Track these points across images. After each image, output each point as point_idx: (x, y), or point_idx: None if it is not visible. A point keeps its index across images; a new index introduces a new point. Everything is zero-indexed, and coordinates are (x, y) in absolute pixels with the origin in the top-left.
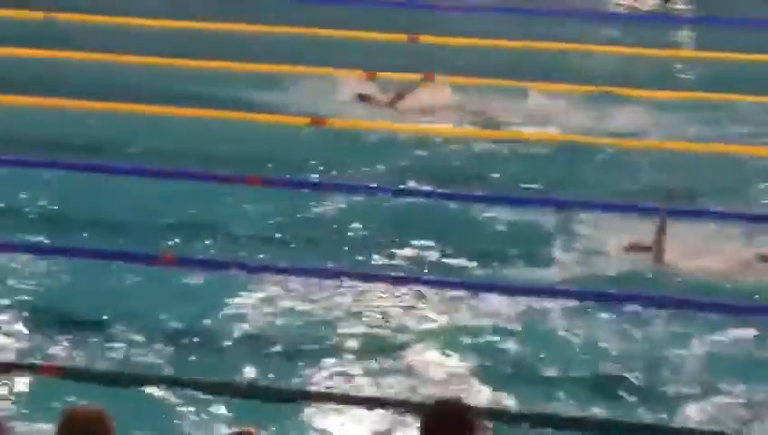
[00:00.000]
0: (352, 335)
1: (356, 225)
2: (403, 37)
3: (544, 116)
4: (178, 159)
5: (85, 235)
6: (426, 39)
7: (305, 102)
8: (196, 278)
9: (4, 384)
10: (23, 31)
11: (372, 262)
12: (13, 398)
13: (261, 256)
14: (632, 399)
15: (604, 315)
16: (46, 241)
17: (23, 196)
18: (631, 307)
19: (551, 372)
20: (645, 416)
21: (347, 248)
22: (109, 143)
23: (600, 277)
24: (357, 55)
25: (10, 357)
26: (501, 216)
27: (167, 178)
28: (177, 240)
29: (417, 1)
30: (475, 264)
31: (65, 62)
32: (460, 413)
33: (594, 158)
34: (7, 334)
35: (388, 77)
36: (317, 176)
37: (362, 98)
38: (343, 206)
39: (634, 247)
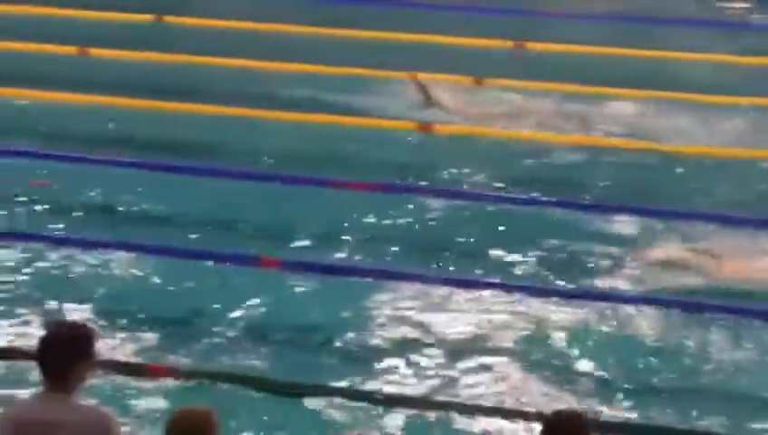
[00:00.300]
0: (458, 341)
1: (460, 230)
2: (509, 44)
3: (648, 124)
4: (281, 162)
5: (190, 235)
6: (532, 46)
7: (413, 107)
8: (297, 281)
9: (112, 384)
10: (131, 33)
11: (476, 268)
12: (121, 397)
13: (365, 260)
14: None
15: (702, 325)
16: (146, 241)
17: (128, 196)
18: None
19: (665, 383)
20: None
21: (449, 254)
22: (207, 145)
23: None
24: (464, 62)
25: (115, 357)
26: (601, 223)
27: (268, 181)
28: (278, 243)
29: (524, 8)
30: (575, 271)
31: (169, 65)
32: (578, 424)
33: (697, 167)
34: (112, 335)
35: (495, 83)
36: (427, 182)
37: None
38: (448, 211)
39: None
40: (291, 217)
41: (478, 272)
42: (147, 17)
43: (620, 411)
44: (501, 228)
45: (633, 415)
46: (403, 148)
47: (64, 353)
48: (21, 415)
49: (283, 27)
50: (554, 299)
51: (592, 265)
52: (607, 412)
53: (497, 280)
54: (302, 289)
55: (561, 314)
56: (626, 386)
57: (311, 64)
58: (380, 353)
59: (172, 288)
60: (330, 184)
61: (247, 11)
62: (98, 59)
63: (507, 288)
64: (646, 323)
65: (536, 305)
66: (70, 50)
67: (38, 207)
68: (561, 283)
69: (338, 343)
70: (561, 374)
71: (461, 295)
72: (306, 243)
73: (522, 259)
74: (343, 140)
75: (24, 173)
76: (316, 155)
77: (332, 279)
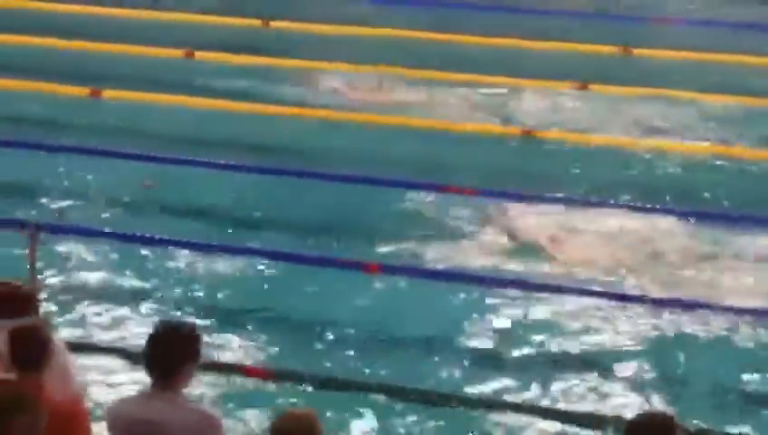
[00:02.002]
0: (561, 348)
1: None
2: (615, 50)
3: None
4: (381, 167)
5: (298, 239)
6: (639, 52)
7: (517, 113)
8: (399, 284)
9: (216, 385)
10: (240, 37)
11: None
12: (225, 398)
13: (461, 264)
14: None
15: None
16: (254, 245)
17: (237, 199)
18: None
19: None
20: None
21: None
22: (309, 149)
23: None
24: (571, 67)
25: (220, 358)
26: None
27: (371, 185)
28: (383, 247)
29: (630, 14)
30: (673, 279)
31: (275, 70)
32: (666, 426)
33: None
34: (221, 337)
35: (602, 90)
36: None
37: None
38: (545, 218)
39: None
40: (393, 221)
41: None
42: (254, 22)
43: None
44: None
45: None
46: (507, 153)
47: (172, 353)
48: (129, 412)
49: (390, 31)
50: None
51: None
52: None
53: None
54: (409, 293)
55: (667, 323)
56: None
57: (420, 69)
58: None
59: (282, 292)
60: (439, 188)
61: (351, 15)
62: (203, 63)
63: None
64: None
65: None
66: (176, 53)
67: (151, 209)
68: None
69: (441, 348)
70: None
71: (563, 300)
72: (415, 246)
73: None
74: (447, 145)
75: (135, 175)
76: (420, 159)
77: (435, 284)
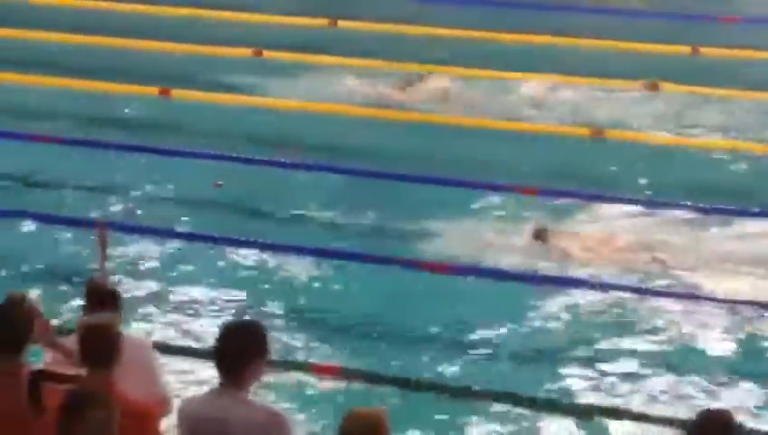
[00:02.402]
0: (636, 350)
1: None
2: (685, 49)
3: None
4: (446, 166)
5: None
6: (706, 51)
7: (583, 112)
8: (468, 285)
9: (284, 384)
10: (305, 37)
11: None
12: (294, 396)
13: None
14: None
15: None
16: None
17: (311, 200)
18: None
19: None
20: None
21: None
22: (377, 148)
23: None
24: (639, 67)
25: (290, 357)
26: None
27: (442, 185)
28: (453, 247)
29: (699, 13)
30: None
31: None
32: (726, 424)
33: None
34: (287, 335)
35: (674, 89)
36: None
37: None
38: (614, 219)
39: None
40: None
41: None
42: (321, 21)
43: None
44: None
45: None
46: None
47: (240, 350)
48: (197, 410)
49: (454, 32)
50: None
51: None
52: None
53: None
54: (479, 294)
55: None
56: None
57: (485, 69)
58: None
59: (351, 292)
60: (505, 189)
61: (415, 13)
62: (272, 61)
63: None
64: None
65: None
66: (245, 52)
67: (225, 210)
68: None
69: (514, 349)
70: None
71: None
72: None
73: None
74: (514, 144)
75: (205, 174)
76: (489, 160)
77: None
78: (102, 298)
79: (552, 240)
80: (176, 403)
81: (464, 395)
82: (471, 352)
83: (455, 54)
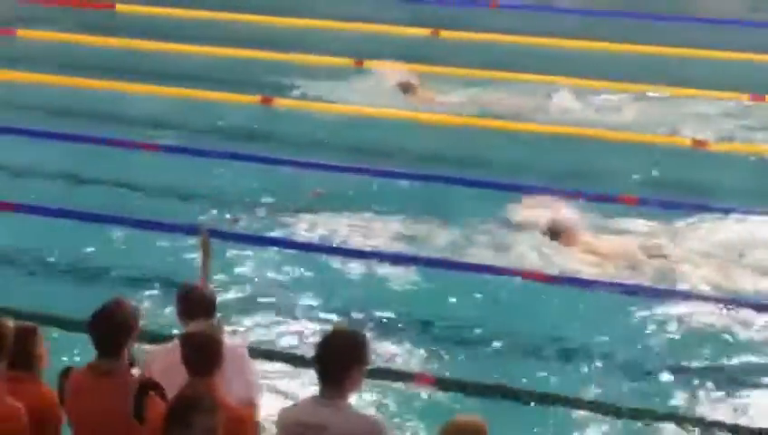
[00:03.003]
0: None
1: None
2: None
3: None
4: (538, 174)
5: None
6: None
7: (687, 123)
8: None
9: (384, 392)
10: (407, 47)
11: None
12: (392, 405)
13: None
14: None
15: None
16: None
17: (406, 208)
18: None
19: None
20: None
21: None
22: (487, 159)
23: None
24: (743, 77)
25: (389, 365)
26: None
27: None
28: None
29: None
30: None
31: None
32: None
33: None
34: (386, 344)
35: None
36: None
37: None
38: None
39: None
40: None
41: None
42: (424, 31)
43: None
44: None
45: None
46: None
47: (340, 358)
48: (296, 417)
49: (550, 41)
50: None
51: None
52: None
53: None
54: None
55: None
56: None
57: (576, 78)
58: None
59: (449, 300)
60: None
61: (518, 25)
62: (373, 71)
63: None
64: None
65: None
66: (346, 62)
67: (322, 219)
68: None
69: (613, 359)
70: None
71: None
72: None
73: None
74: (613, 154)
75: (305, 183)
76: (591, 168)
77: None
78: (196, 303)
79: (566, 239)
80: (276, 410)
81: (563, 404)
82: (569, 361)
83: (556, 64)
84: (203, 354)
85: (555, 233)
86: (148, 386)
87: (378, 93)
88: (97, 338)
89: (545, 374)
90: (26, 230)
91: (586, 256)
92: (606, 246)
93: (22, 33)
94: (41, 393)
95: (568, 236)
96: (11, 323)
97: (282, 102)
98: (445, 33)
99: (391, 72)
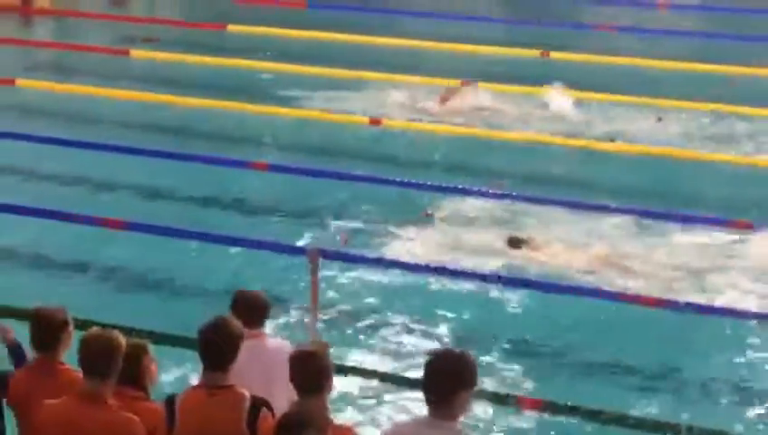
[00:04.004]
0: None
1: None
2: None
3: None
4: (650, 199)
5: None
6: None
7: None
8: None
9: (488, 414)
10: (517, 68)
11: None
12: (496, 427)
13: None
14: None
15: None
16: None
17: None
18: None
19: None
20: None
21: None
22: (599, 182)
23: None
24: None
25: (495, 388)
26: None
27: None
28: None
29: None
30: None
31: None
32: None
33: None
34: (489, 366)
35: None
36: None
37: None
38: None
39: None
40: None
41: None
42: (533, 52)
43: None
44: None
45: None
46: None
47: (448, 379)
48: None
49: (664, 64)
50: None
51: None
52: None
53: None
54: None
55: None
56: None
57: (687, 101)
58: None
59: (559, 323)
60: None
61: (636, 47)
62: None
63: None
64: None
65: None
66: (454, 83)
67: (431, 239)
68: None
69: (723, 386)
70: None
71: None
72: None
73: None
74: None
75: (417, 203)
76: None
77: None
78: (251, 309)
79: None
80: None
81: (668, 431)
82: (675, 386)
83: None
84: (313, 373)
85: (515, 243)
86: (260, 403)
87: (487, 113)
88: (206, 353)
89: (652, 400)
90: (141, 248)
91: (550, 262)
92: (567, 252)
93: (135, 53)
94: (151, 410)
95: (529, 244)
96: (123, 338)
97: (390, 123)
98: (555, 54)
99: None
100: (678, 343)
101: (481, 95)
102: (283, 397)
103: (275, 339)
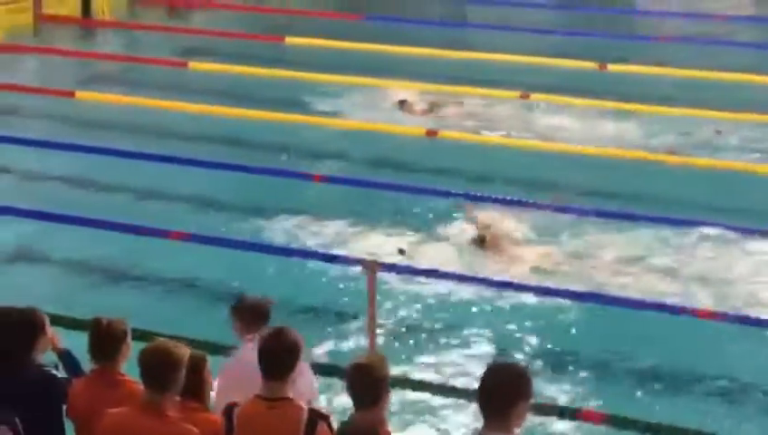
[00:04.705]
0: None
1: None
2: None
3: None
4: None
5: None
6: None
7: None
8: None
9: (548, 428)
10: (573, 80)
11: None
12: None
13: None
14: None
15: None
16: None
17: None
18: None
19: None
20: None
21: None
22: (655, 195)
23: None
24: None
25: (550, 400)
26: None
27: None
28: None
29: None
30: None
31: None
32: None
33: None
34: (548, 377)
35: None
36: None
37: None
38: None
39: None
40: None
41: None
42: (590, 65)
43: None
44: None
45: None
46: None
47: (504, 392)
48: None
49: (723, 75)
50: None
51: None
52: None
53: None
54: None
55: None
56: None
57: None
58: None
59: (613, 335)
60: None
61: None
62: (539, 104)
63: None
64: None
65: None
66: (512, 95)
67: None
68: None
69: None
70: None
71: None
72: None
73: None
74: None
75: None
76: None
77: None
78: (255, 313)
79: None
80: None
81: None
82: (743, 403)
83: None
84: (370, 386)
85: (482, 241)
86: (317, 416)
87: (544, 126)
88: (266, 363)
89: (714, 415)
90: (204, 260)
91: (512, 262)
92: (530, 252)
93: (193, 65)
94: (210, 421)
95: (493, 243)
96: (184, 350)
97: (446, 134)
98: (611, 67)
99: None
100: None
101: (535, 108)
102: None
103: None
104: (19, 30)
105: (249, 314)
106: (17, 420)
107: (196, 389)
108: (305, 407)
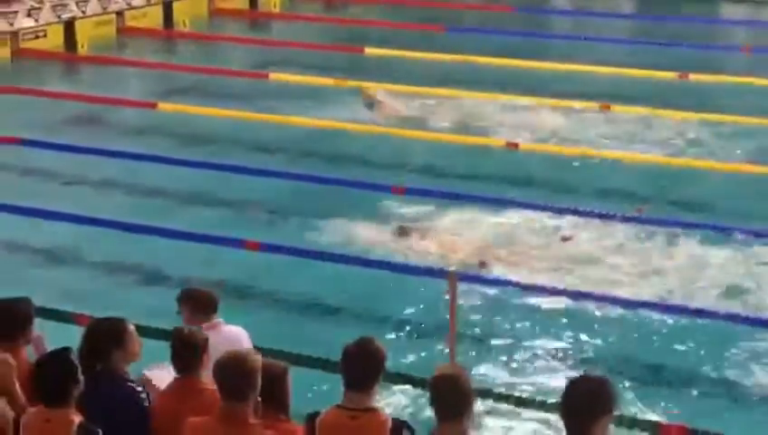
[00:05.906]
0: None
1: None
2: None
3: None
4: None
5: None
6: None
7: None
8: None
9: None
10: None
11: None
12: None
13: None
14: None
15: None
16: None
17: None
18: None
19: None
20: None
21: None
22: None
23: None
24: None
25: (640, 415)
26: None
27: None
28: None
29: None
30: None
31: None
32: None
33: None
34: (637, 391)
35: None
36: None
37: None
38: None
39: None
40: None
41: None
42: (671, 75)
43: None
44: None
45: None
46: None
47: (589, 407)
48: None
49: None
50: None
51: None
52: None
53: None
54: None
55: None
56: None
57: None
58: None
59: (676, 345)
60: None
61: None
62: (618, 115)
63: None
64: None
65: None
66: (592, 106)
67: (572, 262)
68: None
69: None
70: None
71: None
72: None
73: None
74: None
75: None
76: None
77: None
78: (200, 304)
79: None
80: None
81: None
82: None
83: None
84: (453, 399)
85: (404, 232)
86: (400, 426)
87: (624, 137)
88: (349, 373)
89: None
90: (269, 269)
91: (439, 251)
92: (457, 242)
93: (274, 76)
94: (291, 430)
95: (418, 233)
96: (258, 358)
97: (525, 146)
98: (694, 77)
99: None
100: None
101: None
102: None
103: (230, 326)
104: (104, 41)
105: (195, 303)
106: (100, 432)
107: (278, 398)
108: (389, 417)
